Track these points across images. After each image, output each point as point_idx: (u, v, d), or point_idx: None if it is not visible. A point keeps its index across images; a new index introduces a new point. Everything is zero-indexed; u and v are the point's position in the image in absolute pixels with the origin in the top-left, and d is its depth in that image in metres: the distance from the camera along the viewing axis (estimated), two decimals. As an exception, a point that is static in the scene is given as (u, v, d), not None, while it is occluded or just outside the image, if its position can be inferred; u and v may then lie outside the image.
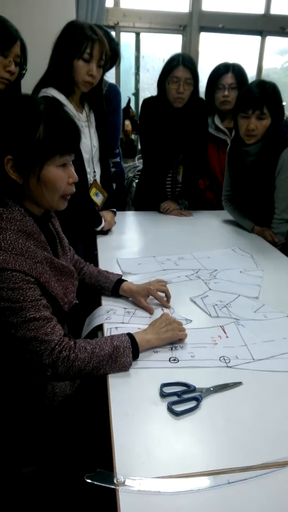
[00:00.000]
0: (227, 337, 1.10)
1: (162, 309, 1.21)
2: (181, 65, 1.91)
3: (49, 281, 0.98)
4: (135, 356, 0.97)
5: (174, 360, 1.00)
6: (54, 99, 1.52)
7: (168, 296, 1.26)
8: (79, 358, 0.92)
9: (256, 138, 1.71)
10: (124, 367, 0.94)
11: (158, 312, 1.19)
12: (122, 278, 1.31)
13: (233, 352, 1.03)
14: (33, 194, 0.96)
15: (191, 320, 1.18)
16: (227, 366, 0.98)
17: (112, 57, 2.21)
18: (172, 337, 1.04)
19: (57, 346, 0.91)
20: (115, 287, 1.27)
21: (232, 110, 2.23)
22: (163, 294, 1.25)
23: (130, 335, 0.99)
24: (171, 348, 1.04)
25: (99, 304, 1.27)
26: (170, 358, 1.00)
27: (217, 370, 0.97)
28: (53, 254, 1.06)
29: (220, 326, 1.15)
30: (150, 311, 1.20)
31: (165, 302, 1.24)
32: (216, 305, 1.26)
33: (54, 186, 0.96)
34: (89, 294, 1.32)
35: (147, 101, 2.16)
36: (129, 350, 0.95)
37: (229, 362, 1.00)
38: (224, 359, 1.00)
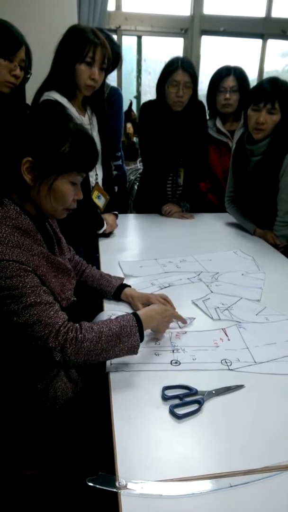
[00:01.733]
0: (228, 340, 1.10)
1: None
2: (180, 68, 1.92)
3: (46, 275, 0.98)
4: (141, 335, 0.96)
5: (176, 363, 1.00)
6: (58, 103, 1.55)
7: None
8: (87, 338, 0.89)
9: (264, 133, 1.71)
10: (133, 347, 0.93)
11: None
12: (124, 282, 1.31)
13: (234, 355, 1.03)
14: (39, 199, 0.99)
15: (195, 318, 1.19)
16: (229, 369, 0.98)
17: (114, 60, 2.22)
18: (172, 315, 1.10)
19: (62, 328, 0.89)
20: (117, 292, 1.27)
21: (233, 113, 2.26)
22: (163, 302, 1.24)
23: (134, 314, 0.98)
24: (173, 350, 1.04)
25: (100, 305, 1.28)
26: (171, 361, 1.00)
27: (219, 373, 0.97)
28: (50, 252, 1.06)
29: (222, 329, 1.15)
30: None
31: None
32: (218, 307, 1.26)
33: (62, 198, 1.00)
34: (89, 293, 1.32)
35: (146, 104, 2.17)
36: (136, 329, 0.94)
37: (230, 365, 1.00)
38: (226, 362, 1.00)
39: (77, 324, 0.93)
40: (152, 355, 1.02)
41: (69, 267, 1.12)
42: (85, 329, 0.91)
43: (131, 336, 0.93)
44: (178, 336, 1.11)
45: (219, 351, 1.05)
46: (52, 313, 0.91)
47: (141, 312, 1.00)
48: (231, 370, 0.98)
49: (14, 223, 0.95)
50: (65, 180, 0.99)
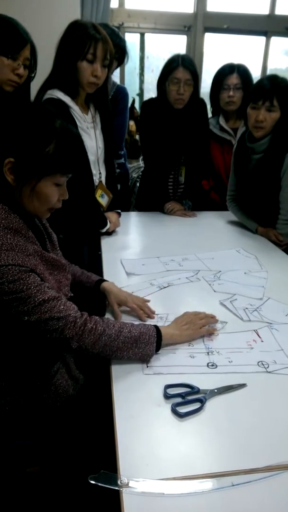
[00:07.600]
0: (262, 341, 1.08)
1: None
2: (181, 66, 1.91)
3: (44, 273, 0.97)
4: (158, 347, 0.98)
5: (213, 365, 0.98)
6: (61, 102, 1.54)
7: (145, 311, 1.19)
8: (107, 333, 0.93)
9: (264, 131, 1.70)
10: (146, 355, 0.96)
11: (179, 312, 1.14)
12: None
13: (270, 357, 1.01)
14: (22, 199, 0.96)
15: (227, 322, 1.15)
16: (267, 372, 0.96)
17: (121, 56, 2.21)
18: (193, 334, 1.06)
19: (78, 320, 0.92)
20: (96, 286, 1.24)
21: (237, 111, 2.25)
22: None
23: (156, 327, 1.00)
24: (207, 352, 1.02)
25: (101, 300, 1.26)
26: (208, 364, 0.98)
27: (220, 372, 0.96)
28: (43, 249, 1.04)
29: (254, 330, 1.12)
30: (118, 318, 1.16)
31: (140, 314, 1.17)
32: (247, 308, 1.24)
33: (46, 200, 0.97)
34: (84, 290, 1.29)
35: (147, 103, 2.16)
36: (154, 339, 0.96)
37: (268, 367, 0.97)
38: (263, 364, 0.98)
39: (97, 317, 0.95)
40: (187, 357, 1.00)
41: (63, 262, 1.11)
42: (107, 324, 0.95)
43: (148, 344, 0.96)
44: (211, 337, 1.09)
45: (254, 353, 1.03)
46: (62, 307, 0.92)
47: (163, 329, 1.01)
48: (269, 372, 0.96)
49: (4, 223, 0.92)
50: (49, 182, 0.95)
